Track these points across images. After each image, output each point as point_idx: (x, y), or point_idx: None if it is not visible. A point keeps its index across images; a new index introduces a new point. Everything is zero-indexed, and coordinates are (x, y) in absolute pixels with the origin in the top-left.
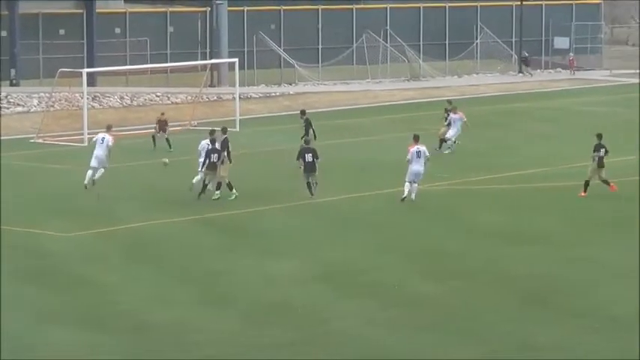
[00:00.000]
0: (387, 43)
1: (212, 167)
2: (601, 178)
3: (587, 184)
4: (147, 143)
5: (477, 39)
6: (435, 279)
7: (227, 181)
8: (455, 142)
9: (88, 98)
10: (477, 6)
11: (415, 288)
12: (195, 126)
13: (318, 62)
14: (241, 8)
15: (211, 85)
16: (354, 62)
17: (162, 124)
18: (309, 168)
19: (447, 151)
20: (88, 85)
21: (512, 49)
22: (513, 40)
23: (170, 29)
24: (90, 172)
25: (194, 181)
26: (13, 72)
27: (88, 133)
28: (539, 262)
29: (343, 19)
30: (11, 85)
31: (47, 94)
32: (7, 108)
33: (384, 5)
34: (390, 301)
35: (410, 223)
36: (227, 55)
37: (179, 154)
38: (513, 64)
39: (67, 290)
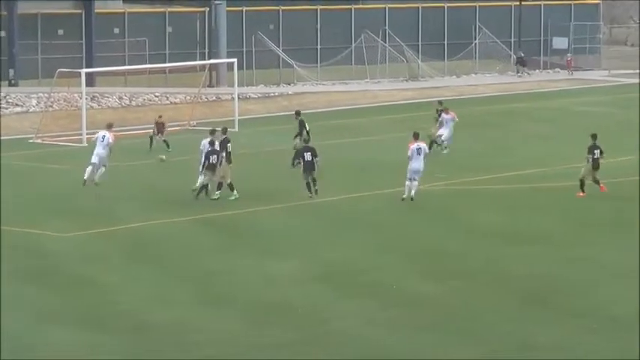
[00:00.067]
0: (385, 43)
1: (211, 168)
2: (594, 179)
3: (582, 183)
4: (146, 143)
5: (475, 39)
6: (434, 279)
7: (229, 181)
8: (444, 142)
9: (86, 98)
10: (475, 6)
11: (415, 288)
12: (194, 126)
13: (317, 62)
14: (240, 8)
15: (210, 86)
16: (353, 62)
17: (159, 127)
18: (308, 167)
19: (445, 151)
20: (87, 85)
21: (510, 50)
22: (512, 40)
23: (169, 29)
24: (89, 168)
25: (197, 184)
26: (11, 72)
27: (87, 134)
28: (538, 262)
29: (342, 20)
30: (10, 85)
31: (46, 95)
32: (6, 108)
33: (383, 5)
34: (389, 301)
35: (409, 223)
36: (226, 55)
37: (178, 154)
38: (512, 65)
39: (66, 290)
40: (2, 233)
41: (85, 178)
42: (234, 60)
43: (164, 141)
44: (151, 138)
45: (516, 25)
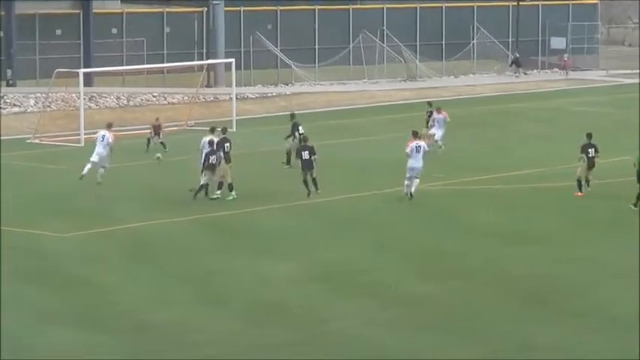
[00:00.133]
0: (383, 43)
1: (211, 168)
2: (586, 178)
3: (579, 183)
4: (144, 144)
5: (473, 39)
6: (433, 279)
7: (229, 181)
8: (437, 141)
9: (84, 98)
10: (473, 6)
11: (414, 288)
12: (191, 126)
13: (315, 62)
14: (238, 8)
15: (208, 86)
16: (351, 62)
17: (156, 129)
18: (307, 165)
19: (441, 150)
20: (85, 85)
21: (508, 50)
22: (510, 40)
23: (167, 29)
24: (88, 165)
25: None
26: (9, 72)
27: (85, 134)
28: (537, 262)
29: (340, 20)
30: (8, 85)
31: (44, 95)
32: (4, 108)
33: (381, 5)
34: (389, 301)
35: (408, 223)
36: (223, 55)
37: (176, 154)
38: (510, 65)
39: (66, 290)
40: (1, 233)
41: (82, 173)
42: (232, 60)
43: (161, 143)
44: (149, 140)
45: (514, 25)
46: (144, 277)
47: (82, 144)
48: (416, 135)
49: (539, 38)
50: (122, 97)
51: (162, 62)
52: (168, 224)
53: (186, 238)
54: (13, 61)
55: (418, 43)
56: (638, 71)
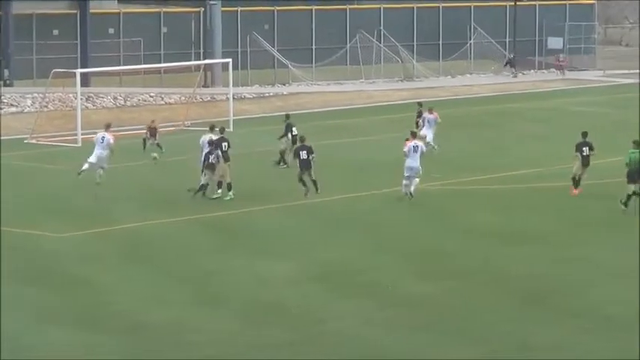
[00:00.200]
0: (380, 43)
1: (211, 168)
2: (580, 176)
3: (574, 180)
4: (140, 144)
5: (470, 39)
6: (431, 279)
7: (228, 180)
8: (429, 143)
9: (81, 99)
10: (470, 6)
11: (412, 288)
12: (188, 126)
13: (312, 62)
14: (235, 8)
15: (205, 86)
16: (348, 62)
17: (152, 131)
18: (305, 165)
19: (435, 150)
20: (82, 85)
21: (505, 50)
22: (507, 40)
23: (164, 29)
24: (86, 165)
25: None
26: (6, 72)
27: (82, 134)
28: (535, 262)
29: (337, 20)
30: (5, 85)
31: (41, 95)
32: (1, 108)
33: (378, 5)
34: (386, 301)
35: (406, 223)
36: (221, 55)
37: (173, 154)
38: (503, 66)
39: (64, 291)
40: (0, 234)
41: (80, 170)
42: (229, 60)
43: (157, 144)
44: (144, 140)
45: (511, 25)
46: (141, 277)
47: (79, 144)
48: (414, 135)
49: (537, 38)
50: (119, 97)
51: (160, 62)
52: (166, 224)
53: (183, 238)
54: (10, 61)
55: (415, 43)
56: (635, 71)
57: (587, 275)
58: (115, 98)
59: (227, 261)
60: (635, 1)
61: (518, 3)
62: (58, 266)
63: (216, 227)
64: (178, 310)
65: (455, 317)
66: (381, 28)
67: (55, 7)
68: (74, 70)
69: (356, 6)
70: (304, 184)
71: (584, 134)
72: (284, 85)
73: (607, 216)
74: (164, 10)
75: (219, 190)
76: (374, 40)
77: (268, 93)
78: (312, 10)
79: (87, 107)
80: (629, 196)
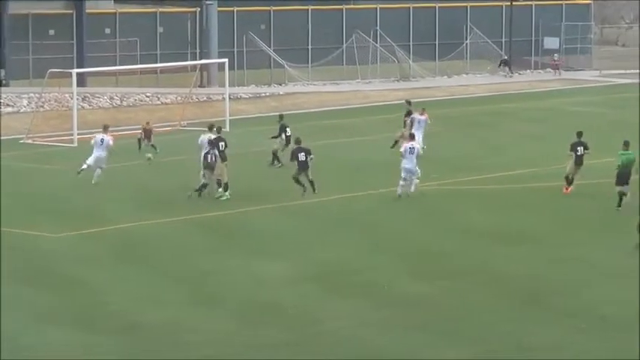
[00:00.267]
0: (376, 43)
1: (210, 167)
2: (573, 176)
3: (567, 179)
4: (136, 144)
5: (466, 39)
6: (427, 279)
7: (225, 180)
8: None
9: (77, 99)
10: (466, 6)
11: (408, 288)
12: (184, 126)
13: (308, 62)
14: (231, 8)
15: (201, 86)
16: (344, 62)
17: (147, 132)
18: (303, 167)
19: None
20: (78, 85)
21: (502, 50)
22: (503, 40)
23: (160, 29)
24: (85, 165)
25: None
26: (2, 72)
27: (78, 134)
28: (531, 262)
29: (333, 20)
30: (1, 85)
31: (37, 95)
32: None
33: (374, 5)
34: (383, 301)
35: (402, 223)
36: (217, 55)
37: (169, 154)
38: (497, 67)
39: (59, 291)
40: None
41: (81, 168)
42: (226, 60)
43: (152, 146)
44: (139, 140)
45: (507, 25)
46: (137, 277)
47: (75, 144)
48: (412, 137)
49: (533, 38)
50: (115, 97)
51: (156, 62)
52: (162, 224)
53: (179, 238)
54: (6, 61)
55: (411, 43)
56: (631, 71)
57: (583, 275)
58: (111, 98)
59: (223, 261)
60: (632, 2)
61: (514, 3)
62: (53, 266)
63: (212, 227)
64: (175, 310)
65: (451, 317)
66: (378, 28)
67: (51, 7)
68: (70, 70)
69: (352, 6)
70: (300, 184)
71: (579, 134)
72: (280, 85)
73: (603, 216)
74: (160, 10)
75: (220, 190)
76: (370, 40)
77: (264, 93)
78: (308, 10)
79: (83, 107)
80: (621, 196)
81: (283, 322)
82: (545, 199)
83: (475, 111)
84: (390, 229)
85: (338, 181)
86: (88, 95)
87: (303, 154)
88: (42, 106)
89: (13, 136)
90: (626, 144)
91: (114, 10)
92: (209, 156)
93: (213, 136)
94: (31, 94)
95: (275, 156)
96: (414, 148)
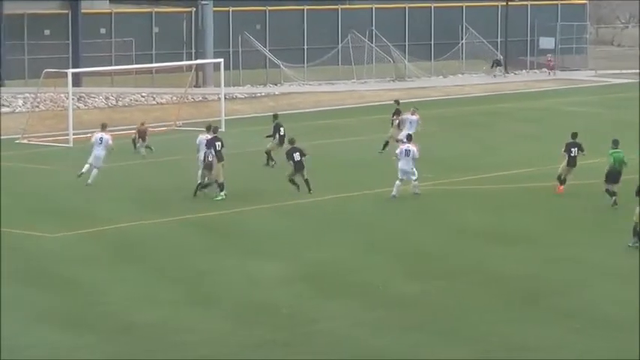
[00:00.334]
0: (372, 43)
1: (209, 167)
2: (565, 176)
3: (559, 179)
4: (131, 144)
5: (462, 39)
6: (422, 279)
7: (221, 180)
8: None
9: (73, 99)
10: (462, 6)
11: (403, 288)
12: (180, 126)
13: (304, 62)
14: (227, 8)
15: (196, 86)
16: (340, 62)
17: (142, 133)
18: (299, 167)
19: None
20: (74, 85)
21: (497, 50)
22: (499, 40)
23: (155, 30)
24: (87, 166)
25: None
26: None
27: (74, 134)
28: (526, 262)
29: (328, 20)
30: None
31: (32, 95)
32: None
33: (370, 5)
34: (377, 301)
35: (397, 223)
36: (212, 55)
37: (164, 154)
38: (502, 64)
39: (55, 291)
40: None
41: (82, 171)
42: (221, 60)
43: (147, 147)
44: (134, 140)
45: (503, 25)
46: (133, 278)
47: (71, 144)
48: (410, 139)
49: (528, 38)
50: (111, 97)
51: (151, 62)
52: (158, 224)
53: (175, 238)
54: (1, 61)
55: (407, 43)
56: (627, 71)
57: (579, 275)
58: (106, 98)
59: (219, 261)
60: (627, 2)
61: (509, 3)
62: (50, 266)
63: (208, 227)
64: (170, 310)
65: (446, 317)
66: (373, 28)
67: (47, 7)
68: (66, 70)
69: (348, 6)
70: (295, 184)
71: (574, 135)
72: (276, 85)
73: (597, 216)
74: (156, 10)
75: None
76: (366, 40)
77: (260, 93)
78: (303, 10)
79: (78, 107)
80: (611, 194)
81: (278, 321)
82: (541, 199)
83: (470, 111)
84: (385, 229)
85: (333, 181)
86: (84, 95)
87: (298, 154)
88: (37, 106)
89: (8, 136)
90: (615, 143)
91: (109, 10)
92: (208, 156)
93: (209, 136)
94: (27, 94)
95: (269, 155)
96: (409, 150)
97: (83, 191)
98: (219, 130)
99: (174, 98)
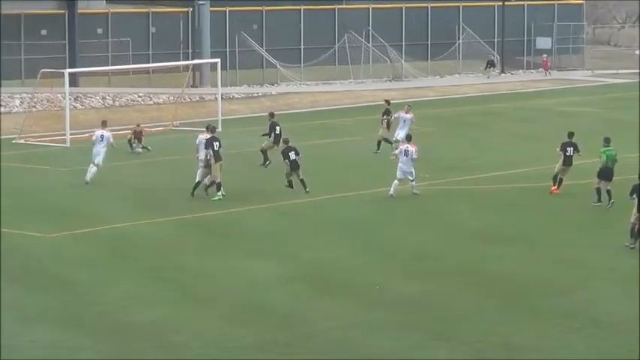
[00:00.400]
0: (369, 43)
1: (209, 167)
2: (561, 176)
3: (555, 178)
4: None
5: (459, 39)
6: (418, 279)
7: (218, 180)
8: (394, 145)
9: (70, 99)
10: (459, 6)
11: (398, 288)
12: (177, 126)
13: (301, 62)
14: (223, 8)
15: (193, 86)
16: (336, 62)
17: (137, 135)
18: (295, 166)
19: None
20: (70, 85)
21: (494, 50)
22: (495, 40)
23: (152, 29)
24: (94, 168)
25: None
26: None
27: (70, 134)
28: (523, 262)
29: (325, 20)
30: None
31: (29, 95)
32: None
33: (366, 5)
34: (373, 301)
35: (394, 224)
36: (209, 55)
37: (161, 154)
38: (496, 65)
39: (51, 291)
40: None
41: (87, 178)
42: (218, 60)
43: (143, 147)
44: (129, 140)
45: (500, 25)
46: (130, 278)
47: (68, 144)
48: (409, 139)
49: (525, 38)
50: (108, 97)
51: (148, 62)
52: (154, 224)
53: (172, 238)
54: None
55: (404, 43)
56: (623, 71)
57: (576, 275)
58: (103, 98)
59: (216, 261)
60: (624, 2)
61: (506, 3)
62: (46, 267)
63: (204, 227)
64: (167, 311)
65: (442, 317)
66: (370, 28)
67: (43, 7)
68: (62, 70)
69: (344, 6)
70: (291, 186)
71: (571, 134)
72: (272, 85)
73: (593, 216)
74: (152, 10)
75: (221, 192)
76: (362, 40)
77: (257, 93)
78: (300, 10)
79: (75, 107)
80: (599, 192)
81: (274, 322)
82: (537, 199)
83: (467, 111)
84: (381, 229)
85: (330, 181)
86: (80, 95)
87: (293, 153)
88: (34, 107)
89: (5, 136)
90: (607, 140)
91: (106, 10)
92: (207, 155)
93: (207, 136)
94: (24, 94)
95: (265, 154)
96: (408, 150)
97: (80, 191)
98: (217, 130)
99: (171, 98)
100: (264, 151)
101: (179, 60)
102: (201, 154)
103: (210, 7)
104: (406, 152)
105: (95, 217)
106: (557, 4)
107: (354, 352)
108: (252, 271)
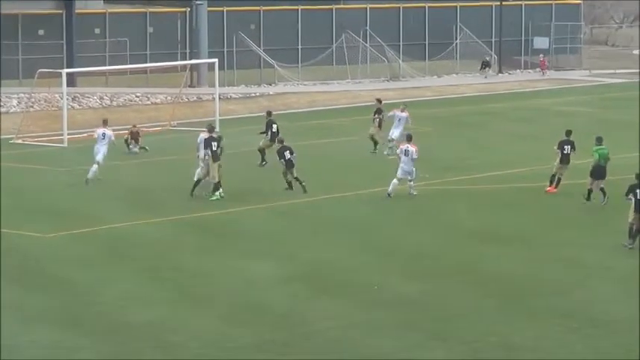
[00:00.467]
0: (366, 43)
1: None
2: (559, 175)
3: (554, 179)
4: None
5: (456, 39)
6: (416, 279)
7: (216, 180)
8: (393, 141)
9: (67, 99)
10: (456, 6)
11: (396, 288)
12: (174, 126)
13: (298, 62)
14: (221, 8)
15: (191, 86)
16: (334, 62)
17: (134, 135)
18: (291, 165)
19: (386, 152)
20: (68, 85)
21: (492, 49)
22: (493, 40)
23: (150, 29)
24: (95, 166)
25: (195, 179)
26: None
27: (68, 134)
28: (521, 261)
29: (323, 20)
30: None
31: (27, 95)
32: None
33: (364, 5)
34: (371, 301)
35: (391, 224)
36: (207, 55)
37: (159, 154)
38: (493, 64)
39: (50, 291)
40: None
41: (89, 176)
42: (215, 60)
43: (141, 147)
44: (126, 140)
45: (497, 25)
46: (127, 278)
47: (65, 144)
48: (409, 139)
49: (522, 38)
50: (105, 97)
51: (146, 62)
52: (152, 224)
53: (169, 238)
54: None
55: (401, 43)
56: (620, 71)
57: (573, 275)
58: (100, 98)
59: (214, 261)
60: (621, 2)
61: (504, 3)
62: (44, 267)
63: (202, 227)
64: (166, 310)
65: (440, 317)
66: (367, 28)
67: (41, 7)
68: (60, 70)
69: (342, 6)
70: (290, 187)
71: (568, 133)
72: (270, 85)
73: (590, 215)
74: (150, 10)
75: (219, 192)
76: (360, 40)
77: (254, 93)
78: (298, 9)
79: (73, 107)
80: (590, 192)
81: (272, 322)
82: (535, 199)
83: (464, 111)
84: (379, 229)
85: (327, 181)
86: (78, 95)
87: (288, 152)
88: (32, 107)
89: (2, 136)
90: (599, 140)
91: (103, 10)
92: (207, 155)
93: (206, 136)
94: (21, 95)
95: (262, 153)
96: (408, 150)
97: (78, 191)
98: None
99: (169, 98)
100: (261, 150)
101: (177, 60)
102: (201, 153)
103: (208, 7)
104: (406, 152)
105: (93, 217)
106: (555, 4)
107: (352, 352)
108: (250, 271)
